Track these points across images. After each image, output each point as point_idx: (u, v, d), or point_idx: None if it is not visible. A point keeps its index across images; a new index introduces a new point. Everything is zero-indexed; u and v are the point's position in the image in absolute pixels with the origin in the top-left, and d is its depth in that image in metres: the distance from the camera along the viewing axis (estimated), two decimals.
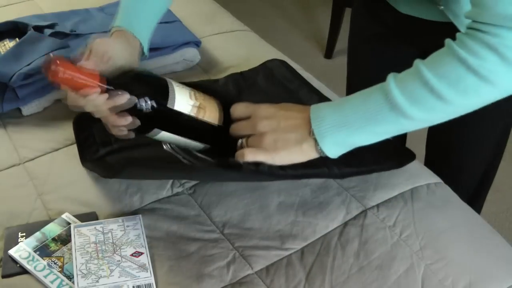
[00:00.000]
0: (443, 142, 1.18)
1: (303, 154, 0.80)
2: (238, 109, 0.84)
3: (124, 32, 0.92)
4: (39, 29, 1.20)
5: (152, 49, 1.20)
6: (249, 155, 0.79)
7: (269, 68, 1.21)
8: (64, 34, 1.21)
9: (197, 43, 1.27)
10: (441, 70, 0.71)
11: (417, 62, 0.74)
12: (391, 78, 0.75)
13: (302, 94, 1.14)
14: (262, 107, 0.82)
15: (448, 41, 0.73)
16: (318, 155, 0.80)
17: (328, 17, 2.59)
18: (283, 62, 1.23)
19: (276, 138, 0.79)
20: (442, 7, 0.93)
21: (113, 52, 0.85)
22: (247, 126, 0.82)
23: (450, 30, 0.95)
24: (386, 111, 0.74)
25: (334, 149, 0.79)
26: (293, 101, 0.96)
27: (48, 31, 1.19)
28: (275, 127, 0.79)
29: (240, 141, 0.82)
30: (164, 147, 1.00)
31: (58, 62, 0.74)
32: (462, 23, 0.92)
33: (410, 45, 1.10)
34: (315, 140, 0.78)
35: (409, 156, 0.99)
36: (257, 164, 0.81)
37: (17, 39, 1.19)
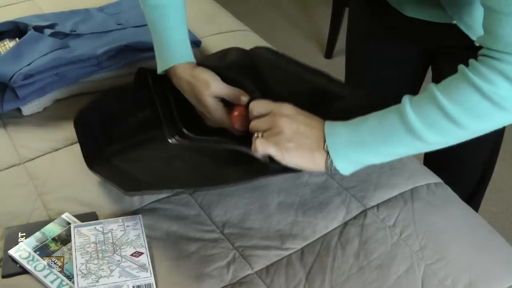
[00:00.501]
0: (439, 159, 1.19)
1: (313, 163, 0.80)
2: (259, 106, 0.85)
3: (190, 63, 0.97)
4: (39, 29, 1.20)
5: (151, 49, 1.21)
6: (261, 147, 0.80)
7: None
8: (64, 34, 1.21)
9: (197, 43, 1.27)
10: (456, 96, 0.73)
11: (432, 87, 0.75)
12: (406, 101, 0.76)
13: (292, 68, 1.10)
14: (284, 106, 0.83)
15: (462, 67, 0.74)
16: (326, 169, 0.80)
17: (328, 17, 2.59)
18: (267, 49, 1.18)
19: (292, 138, 0.79)
20: (455, 21, 0.93)
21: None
22: (266, 121, 0.82)
23: (455, 31, 0.95)
24: (402, 134, 0.75)
25: (345, 166, 0.79)
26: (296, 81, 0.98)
27: (48, 31, 1.19)
28: (294, 128, 0.80)
29: (256, 134, 0.83)
30: (170, 141, 0.99)
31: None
32: (475, 34, 0.93)
33: (413, 44, 1.10)
34: (328, 154, 0.79)
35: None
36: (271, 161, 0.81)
37: (17, 39, 1.19)
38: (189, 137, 1.01)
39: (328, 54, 2.66)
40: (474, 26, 0.92)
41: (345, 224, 0.91)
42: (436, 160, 1.19)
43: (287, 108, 0.82)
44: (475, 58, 0.74)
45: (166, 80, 1.01)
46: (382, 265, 0.84)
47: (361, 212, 0.93)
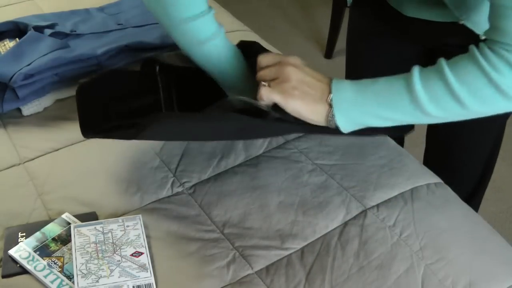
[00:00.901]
0: (442, 141, 1.19)
1: (314, 113, 0.81)
2: (266, 58, 0.85)
3: None
4: (39, 29, 1.20)
5: (151, 49, 1.21)
6: (265, 94, 0.80)
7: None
8: (64, 34, 1.21)
9: None
10: (464, 76, 0.74)
11: (442, 63, 0.76)
12: (416, 70, 0.77)
13: None
14: (292, 57, 0.83)
15: (473, 49, 0.75)
16: (325, 123, 0.81)
17: (328, 17, 2.59)
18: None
19: (297, 86, 0.80)
20: (462, 21, 0.94)
21: None
22: (273, 71, 0.83)
23: (457, 29, 0.95)
24: (406, 102, 0.77)
25: (345, 123, 0.80)
26: None
27: (48, 31, 1.20)
28: (300, 78, 0.81)
29: (263, 83, 0.83)
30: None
31: None
32: (481, 29, 0.93)
33: (413, 44, 1.10)
34: (330, 107, 0.79)
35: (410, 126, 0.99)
36: (280, 113, 0.82)
37: (17, 39, 1.19)
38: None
39: (328, 54, 2.66)
40: (481, 22, 0.93)
41: (345, 224, 0.91)
42: (436, 160, 1.19)
43: (294, 59, 0.83)
44: None
45: (172, 71, 1.01)
46: (382, 265, 0.84)
47: (361, 212, 0.93)
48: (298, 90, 0.80)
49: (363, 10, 1.16)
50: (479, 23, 0.94)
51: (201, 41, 0.91)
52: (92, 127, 0.94)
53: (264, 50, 1.04)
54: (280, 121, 0.84)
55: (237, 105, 0.85)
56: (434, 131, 1.21)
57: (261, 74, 0.84)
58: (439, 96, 0.75)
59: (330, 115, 0.80)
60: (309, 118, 0.81)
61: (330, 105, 0.79)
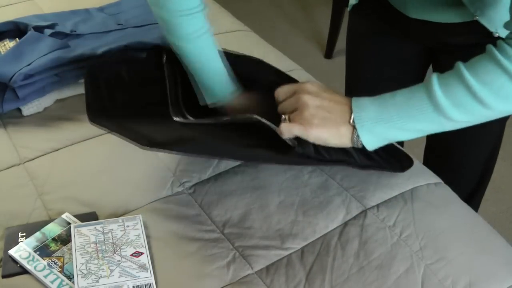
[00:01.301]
0: (442, 141, 1.19)
1: (338, 137, 0.81)
2: (283, 90, 0.85)
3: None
4: (39, 29, 1.20)
5: (151, 49, 1.20)
6: (285, 129, 0.80)
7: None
8: (64, 34, 1.21)
9: None
10: (484, 77, 0.74)
11: (460, 66, 0.76)
12: (435, 78, 0.77)
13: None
14: (308, 84, 0.83)
15: (490, 48, 0.75)
16: (351, 144, 0.81)
17: (328, 17, 2.59)
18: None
19: (316, 114, 0.80)
20: (477, 17, 0.94)
21: None
22: (291, 102, 0.82)
23: (460, 29, 0.95)
24: (429, 111, 0.77)
25: (371, 140, 0.80)
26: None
27: (48, 31, 1.20)
28: (318, 104, 0.80)
29: (283, 117, 0.83)
30: (175, 119, 0.97)
31: None
32: (495, 26, 0.93)
33: (414, 43, 1.10)
34: (354, 128, 0.79)
35: (409, 161, 1.00)
36: (303, 147, 0.82)
37: (17, 39, 1.19)
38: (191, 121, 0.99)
39: (328, 54, 2.66)
40: (496, 18, 0.92)
41: (345, 224, 0.91)
42: (436, 160, 1.19)
43: (309, 86, 0.83)
44: (479, 53, 0.75)
45: (178, 61, 1.01)
46: (382, 265, 0.84)
47: (361, 212, 0.93)
48: (317, 117, 0.79)
49: (363, 10, 1.16)
50: (494, 19, 0.93)
51: (189, 36, 0.93)
52: (98, 112, 0.93)
53: (252, 64, 1.04)
54: (303, 156, 0.84)
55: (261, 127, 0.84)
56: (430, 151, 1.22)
57: (280, 107, 0.84)
58: (461, 101, 0.75)
59: (355, 136, 0.79)
60: (334, 142, 0.81)
61: (354, 126, 0.79)
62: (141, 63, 1.05)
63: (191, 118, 0.98)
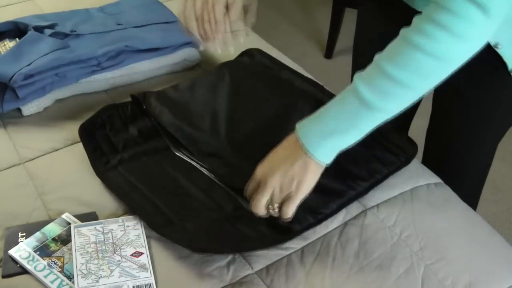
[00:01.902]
0: (441, 140, 1.19)
1: (314, 173, 0.82)
2: (248, 188, 0.86)
3: None
4: (39, 29, 1.20)
5: (151, 50, 1.21)
6: (283, 218, 0.84)
7: (250, 55, 1.23)
8: (64, 34, 1.21)
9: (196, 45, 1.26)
10: (400, 60, 0.75)
11: (376, 58, 0.77)
12: (357, 78, 0.78)
13: (284, 75, 1.17)
14: (257, 170, 0.84)
15: (402, 31, 0.76)
16: (319, 170, 0.82)
17: (328, 17, 2.59)
18: (260, 51, 1.24)
19: (284, 181, 0.82)
20: None
21: None
22: (262, 193, 0.83)
23: None
24: (363, 112, 0.78)
25: (325, 156, 0.81)
26: (275, 84, 1.06)
27: (48, 31, 1.19)
28: (274, 171, 0.82)
29: (270, 209, 0.85)
30: (177, 154, 1.01)
31: None
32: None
33: None
34: (307, 153, 0.80)
35: (413, 147, 1.01)
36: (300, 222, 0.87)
37: (17, 39, 1.19)
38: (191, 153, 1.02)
39: (328, 54, 2.66)
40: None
41: (345, 224, 0.91)
42: (434, 161, 1.18)
43: (259, 169, 0.84)
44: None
45: (153, 101, 1.06)
46: (382, 265, 0.84)
47: (361, 212, 0.93)
48: (284, 180, 0.81)
49: (373, 11, 1.16)
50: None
51: None
52: (102, 161, 0.98)
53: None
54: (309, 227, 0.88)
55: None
56: (434, 131, 1.21)
57: (255, 203, 0.84)
58: (387, 91, 0.76)
59: (314, 159, 0.80)
60: (312, 181, 0.82)
61: (306, 151, 0.80)
62: (127, 107, 1.08)
63: (187, 154, 1.02)
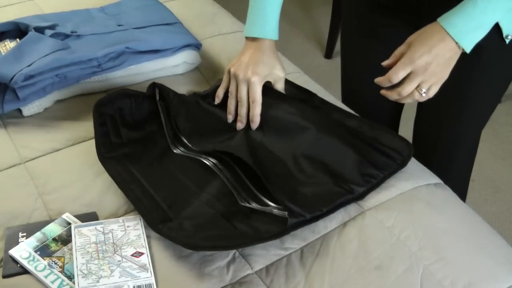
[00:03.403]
0: (431, 130, 1.19)
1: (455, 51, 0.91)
2: (397, 69, 0.92)
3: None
4: (40, 30, 1.20)
5: (152, 52, 1.21)
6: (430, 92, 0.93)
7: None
8: (65, 35, 1.21)
9: (197, 46, 1.27)
10: None
11: None
12: None
13: (317, 100, 1.14)
14: (412, 50, 0.91)
15: None
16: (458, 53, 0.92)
17: (328, 17, 2.59)
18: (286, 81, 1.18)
19: (432, 61, 0.90)
20: None
21: None
22: (406, 63, 0.90)
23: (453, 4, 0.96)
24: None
25: (471, 44, 0.90)
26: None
27: (49, 32, 1.20)
28: (425, 57, 0.90)
29: (417, 91, 0.92)
30: (174, 151, 1.01)
31: None
32: None
33: (412, 28, 1.10)
34: (454, 40, 0.89)
35: (409, 148, 1.01)
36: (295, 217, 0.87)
37: (17, 39, 1.19)
38: (192, 149, 1.03)
39: (328, 54, 2.66)
40: None
41: (344, 225, 0.91)
42: (424, 146, 1.19)
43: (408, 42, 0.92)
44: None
45: (172, 96, 1.06)
46: (381, 265, 0.84)
47: (360, 213, 0.93)
48: (434, 64, 0.89)
49: (356, 5, 1.17)
50: None
51: None
52: (106, 148, 0.99)
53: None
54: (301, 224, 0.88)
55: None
56: (422, 117, 1.22)
57: (405, 86, 0.91)
58: None
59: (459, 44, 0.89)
60: (447, 55, 0.91)
61: (452, 39, 0.89)
62: (142, 97, 1.09)
63: (190, 145, 1.03)
